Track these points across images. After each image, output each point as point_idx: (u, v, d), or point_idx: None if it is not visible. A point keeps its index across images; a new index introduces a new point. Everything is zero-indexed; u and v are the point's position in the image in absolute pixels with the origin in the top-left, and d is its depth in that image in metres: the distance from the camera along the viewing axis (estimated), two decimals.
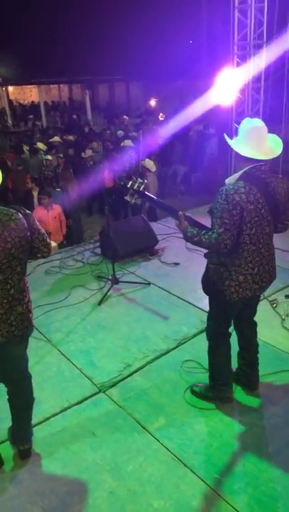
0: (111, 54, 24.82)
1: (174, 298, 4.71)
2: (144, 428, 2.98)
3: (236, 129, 2.80)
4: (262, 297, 3.51)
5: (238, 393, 3.22)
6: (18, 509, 2.49)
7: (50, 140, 12.55)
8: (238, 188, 2.57)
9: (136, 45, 23.12)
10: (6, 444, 2.87)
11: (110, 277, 5.01)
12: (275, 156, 2.69)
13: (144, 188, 3.08)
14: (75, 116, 23.33)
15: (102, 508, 2.47)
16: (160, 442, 2.86)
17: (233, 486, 2.56)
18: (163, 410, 3.13)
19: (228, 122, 7.65)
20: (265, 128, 2.69)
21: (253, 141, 2.66)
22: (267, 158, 2.65)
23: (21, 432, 2.79)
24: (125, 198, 3.20)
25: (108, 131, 15.12)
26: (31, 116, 24.02)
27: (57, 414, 3.15)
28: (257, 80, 7.35)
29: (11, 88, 30.84)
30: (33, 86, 29.77)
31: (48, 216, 6.46)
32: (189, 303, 4.57)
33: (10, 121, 23.81)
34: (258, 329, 3.21)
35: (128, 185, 3.07)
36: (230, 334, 3.05)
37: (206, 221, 2.80)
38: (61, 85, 34.59)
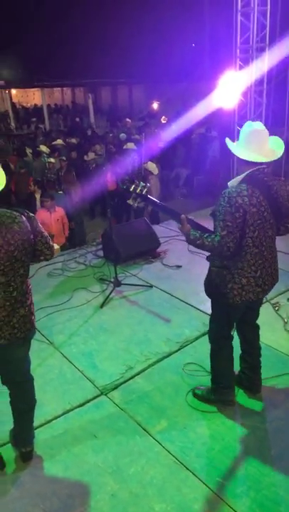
0: (114, 57, 24.92)
1: (176, 300, 4.70)
2: (145, 431, 2.98)
3: (238, 132, 2.80)
4: (264, 300, 3.50)
5: (241, 396, 3.21)
6: (20, 511, 2.49)
7: (53, 143, 12.59)
8: (241, 191, 2.58)
9: (138, 49, 23.21)
10: (8, 447, 2.87)
11: (112, 280, 5.02)
12: (276, 157, 2.69)
13: (146, 191, 3.09)
14: (77, 119, 23.40)
15: (103, 511, 2.46)
16: (162, 445, 2.86)
17: (235, 489, 2.55)
18: (165, 413, 3.13)
19: (231, 125, 7.66)
20: (265, 131, 2.70)
21: (253, 144, 2.66)
22: (268, 160, 2.65)
23: (23, 435, 2.79)
24: (128, 201, 3.21)
25: (111, 134, 15.15)
26: (34, 119, 24.09)
27: (59, 416, 3.15)
28: (259, 83, 7.36)
29: (14, 91, 30.98)
30: (36, 89, 29.92)
31: (50, 219, 6.48)
32: (191, 305, 4.56)
33: (13, 124, 23.87)
34: (260, 332, 3.21)
35: (131, 189, 3.08)
36: (232, 337, 3.05)
37: (209, 224, 2.80)
38: (64, 88, 34.72)
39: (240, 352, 3.22)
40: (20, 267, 2.37)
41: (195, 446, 2.84)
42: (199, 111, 10.15)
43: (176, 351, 3.84)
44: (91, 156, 10.59)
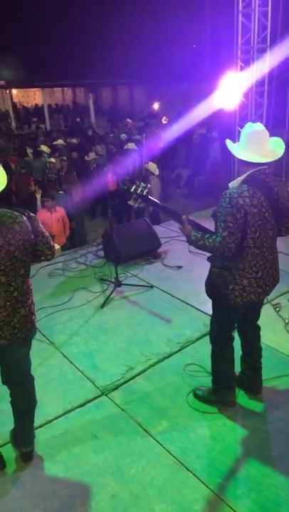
0: (115, 58, 24.92)
1: (177, 301, 4.70)
2: (146, 431, 2.98)
3: (239, 133, 2.80)
4: (265, 301, 3.50)
5: (241, 397, 3.21)
6: (20, 511, 2.49)
7: (54, 143, 12.59)
8: (242, 192, 2.57)
9: (139, 49, 23.21)
10: (9, 447, 2.87)
11: (113, 280, 5.02)
12: (276, 158, 2.68)
13: (147, 192, 3.09)
14: (78, 120, 23.42)
15: None
16: (163, 446, 2.85)
17: (236, 490, 2.55)
18: (165, 414, 3.12)
19: (232, 126, 7.66)
20: (265, 131, 2.70)
21: (253, 145, 2.66)
22: (268, 160, 2.65)
23: (24, 435, 2.79)
24: (129, 202, 3.21)
25: (111, 135, 15.15)
26: (35, 119, 24.10)
27: (59, 416, 3.15)
28: (260, 83, 7.37)
29: (14, 91, 30.97)
30: (36, 89, 29.92)
31: (51, 218, 6.48)
32: (192, 306, 4.56)
33: (14, 124, 23.88)
34: (261, 333, 3.20)
35: (131, 190, 3.08)
36: (233, 338, 3.05)
37: (210, 225, 2.80)
38: (65, 88, 34.72)
39: (241, 353, 3.21)
40: (21, 267, 2.37)
41: (196, 447, 2.84)
42: (200, 111, 10.15)
43: (177, 352, 3.83)
44: (92, 156, 10.59)
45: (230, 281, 2.71)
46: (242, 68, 7.37)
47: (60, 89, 34.58)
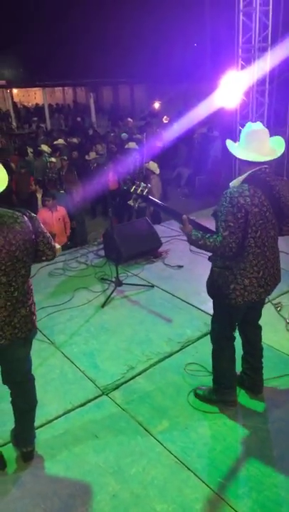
0: (115, 57, 24.91)
1: (178, 300, 4.70)
2: (147, 431, 2.97)
3: (240, 132, 2.80)
4: (266, 300, 3.50)
5: (242, 397, 3.21)
6: (21, 511, 2.48)
7: (55, 142, 12.58)
8: (243, 191, 2.57)
9: (140, 48, 23.18)
10: (9, 446, 2.87)
11: (114, 279, 5.01)
12: (276, 156, 2.68)
13: (147, 192, 3.08)
14: (79, 119, 23.38)
15: (104, 511, 2.46)
16: (163, 445, 2.85)
17: (236, 490, 2.55)
18: (166, 413, 3.12)
19: (233, 125, 7.64)
20: (265, 130, 2.70)
21: (253, 145, 2.66)
22: (268, 159, 2.65)
23: (24, 434, 2.79)
24: (128, 202, 3.21)
25: (112, 134, 15.14)
26: (35, 119, 24.09)
27: (60, 416, 3.15)
28: (261, 82, 7.35)
29: (15, 90, 30.94)
30: (37, 88, 29.89)
31: (52, 218, 6.48)
32: (193, 305, 4.56)
33: (14, 124, 23.85)
34: (262, 333, 3.20)
35: (131, 190, 3.07)
36: (234, 338, 3.04)
37: (211, 224, 2.80)
38: (65, 88, 34.69)
39: (242, 352, 3.21)
40: (22, 267, 2.37)
41: (196, 447, 2.84)
42: (201, 111, 10.13)
43: (178, 351, 3.83)
44: (92, 155, 10.59)
45: (232, 281, 2.71)
46: (243, 67, 7.35)
47: (60, 88, 34.55)
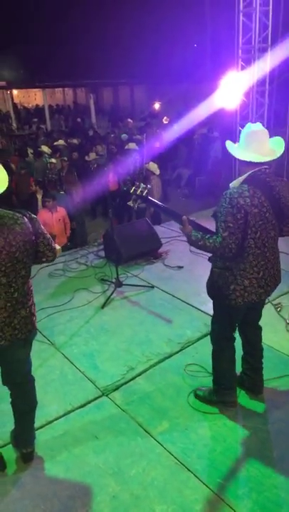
0: (115, 58, 24.92)
1: (178, 301, 4.69)
2: (147, 432, 2.97)
3: (240, 133, 2.80)
4: (266, 301, 3.49)
5: (242, 397, 3.20)
6: None
7: (55, 143, 12.59)
8: (242, 192, 2.57)
9: (140, 49, 23.20)
10: (9, 447, 2.86)
11: (114, 280, 5.01)
12: (276, 156, 2.68)
13: (147, 193, 3.09)
14: (79, 120, 23.40)
15: None
16: (163, 446, 2.85)
17: (236, 491, 2.55)
18: (166, 414, 3.12)
19: (233, 126, 7.64)
20: (264, 131, 2.70)
21: (253, 145, 2.66)
22: (267, 159, 2.65)
23: (24, 435, 2.79)
24: (128, 203, 3.21)
25: (112, 135, 15.15)
26: (36, 120, 24.10)
27: (60, 417, 3.14)
28: (261, 83, 7.35)
29: (15, 91, 30.95)
30: (37, 89, 29.90)
31: (52, 219, 6.48)
32: (193, 306, 4.55)
33: (14, 125, 23.88)
34: (262, 333, 3.19)
35: (131, 191, 3.07)
36: (234, 338, 3.04)
37: (211, 225, 2.80)
38: (66, 89, 34.70)
39: (242, 353, 3.21)
40: (22, 268, 2.37)
41: (196, 448, 2.83)
42: (201, 111, 10.13)
43: (178, 352, 3.83)
44: (92, 156, 10.59)
45: (232, 282, 2.71)
46: (243, 68, 7.36)
47: (60, 89, 34.57)
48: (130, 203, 3.18)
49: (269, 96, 7.46)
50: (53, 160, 10.14)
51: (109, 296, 4.76)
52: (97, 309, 4.60)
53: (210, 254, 2.78)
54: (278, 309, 4.35)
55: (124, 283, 5.02)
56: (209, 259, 2.85)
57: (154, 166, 7.90)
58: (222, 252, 2.57)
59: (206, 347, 3.47)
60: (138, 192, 3.08)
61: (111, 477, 2.66)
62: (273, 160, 2.68)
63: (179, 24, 22.78)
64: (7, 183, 2.37)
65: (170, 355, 3.78)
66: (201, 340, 3.94)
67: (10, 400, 2.71)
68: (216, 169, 10.44)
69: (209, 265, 2.88)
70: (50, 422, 3.09)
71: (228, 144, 2.78)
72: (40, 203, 7.75)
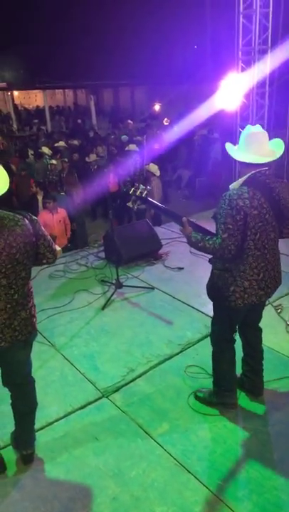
0: (116, 59, 24.96)
1: (178, 303, 4.69)
2: (147, 433, 2.97)
3: (240, 134, 2.81)
4: (266, 302, 3.50)
5: (243, 399, 3.20)
6: None
7: (55, 144, 12.61)
8: (242, 193, 2.57)
9: (140, 50, 23.24)
10: (9, 449, 2.86)
11: (114, 281, 5.01)
12: (275, 158, 2.69)
13: (146, 194, 3.09)
14: (79, 121, 23.44)
15: None
16: (163, 448, 2.85)
17: (237, 492, 2.54)
18: (166, 416, 3.12)
19: (233, 127, 7.65)
20: (264, 133, 2.70)
21: (252, 147, 2.67)
22: (266, 160, 2.65)
23: (24, 437, 2.79)
24: (128, 204, 3.22)
25: (113, 136, 15.17)
26: (36, 121, 24.16)
27: (60, 418, 3.14)
28: (261, 85, 7.35)
29: (16, 93, 31.02)
30: (38, 91, 29.94)
31: (53, 220, 6.49)
32: (193, 308, 4.55)
33: (15, 126, 23.91)
34: (262, 335, 3.19)
35: (130, 192, 3.08)
36: (234, 340, 3.04)
37: (211, 226, 2.80)
38: (66, 90, 34.78)
39: (242, 355, 3.21)
40: (22, 269, 2.37)
41: (196, 449, 2.83)
42: (201, 113, 10.14)
43: (178, 353, 3.83)
44: (93, 157, 10.60)
45: (231, 283, 2.71)
46: (243, 69, 7.36)
47: (61, 90, 34.65)
48: (130, 204, 3.19)
49: (269, 97, 7.46)
50: (54, 161, 10.16)
51: (110, 298, 4.76)
52: (97, 310, 4.60)
53: (210, 256, 2.78)
54: (278, 311, 4.35)
55: (124, 284, 5.02)
56: (210, 261, 2.85)
57: (154, 168, 7.91)
58: (221, 253, 2.57)
59: (206, 348, 3.47)
60: (137, 193, 3.08)
61: (111, 479, 2.66)
62: (273, 161, 2.69)
63: (179, 25, 22.82)
64: (8, 185, 2.38)
65: (170, 357, 3.78)
66: (202, 342, 3.94)
67: (10, 401, 2.71)
68: (216, 170, 10.44)
69: (209, 267, 2.88)
70: (51, 424, 3.09)
71: (228, 146, 2.78)
72: (40, 205, 7.75)
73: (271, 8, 6.95)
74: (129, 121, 19.84)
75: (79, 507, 2.50)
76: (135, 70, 24.31)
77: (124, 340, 4.05)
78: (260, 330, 3.17)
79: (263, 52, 7.15)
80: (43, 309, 4.50)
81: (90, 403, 3.28)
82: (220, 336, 3.01)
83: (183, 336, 4.07)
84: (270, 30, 7.04)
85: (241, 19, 7.09)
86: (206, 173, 11.20)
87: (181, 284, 5.09)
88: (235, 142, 2.84)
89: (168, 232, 6.58)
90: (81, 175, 9.17)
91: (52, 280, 5.35)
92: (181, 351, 3.85)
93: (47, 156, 10.84)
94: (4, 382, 2.66)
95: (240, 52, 7.34)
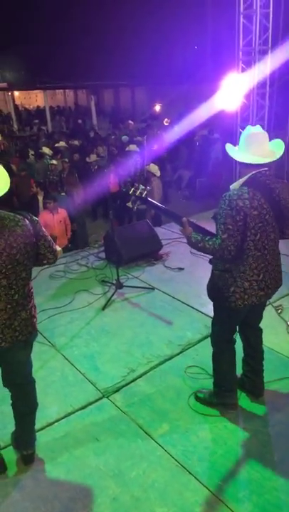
0: (116, 59, 24.97)
1: (178, 303, 4.69)
2: (147, 434, 2.97)
3: (241, 135, 2.81)
4: (267, 303, 3.49)
5: (243, 400, 3.20)
6: None
7: (56, 145, 12.62)
8: (242, 194, 2.57)
9: (141, 51, 23.25)
10: (10, 449, 2.86)
11: (114, 282, 5.01)
12: (275, 158, 2.69)
13: (146, 194, 3.09)
14: (80, 121, 23.46)
15: None
16: (164, 448, 2.85)
17: (237, 493, 2.54)
18: (167, 416, 3.12)
19: (233, 127, 7.65)
20: (264, 133, 2.71)
21: (252, 147, 2.67)
22: (266, 161, 2.65)
23: (25, 437, 2.79)
24: (127, 204, 3.22)
25: (113, 136, 15.18)
26: (37, 121, 24.19)
27: (60, 419, 3.14)
28: (262, 85, 7.36)
29: (16, 93, 31.04)
30: (38, 91, 29.97)
31: (53, 220, 6.49)
32: (193, 308, 4.55)
33: (15, 126, 23.94)
34: (263, 335, 3.19)
35: (130, 192, 3.08)
36: (235, 340, 3.04)
37: (211, 226, 2.80)
38: (67, 90, 34.79)
39: (242, 355, 3.21)
40: (22, 270, 2.37)
41: (197, 450, 2.83)
42: (202, 113, 10.15)
43: (178, 354, 3.83)
44: (93, 157, 10.61)
45: (231, 284, 2.71)
46: (243, 70, 7.37)
47: (61, 91, 34.66)
48: (129, 204, 3.19)
49: (270, 98, 7.47)
50: (54, 161, 10.17)
51: (110, 298, 4.76)
52: (97, 311, 4.60)
53: (210, 256, 2.78)
54: (279, 311, 4.35)
55: (124, 284, 5.02)
56: (210, 262, 2.85)
57: (154, 168, 7.91)
58: (221, 254, 2.58)
59: (206, 349, 3.47)
60: (137, 193, 3.08)
61: (111, 479, 2.66)
62: (273, 162, 2.69)
63: (179, 25, 22.84)
64: (9, 185, 2.38)
65: (171, 357, 3.78)
66: (202, 342, 3.94)
67: (10, 401, 2.71)
68: (216, 171, 10.45)
69: (210, 267, 2.88)
70: (51, 424, 3.09)
71: (228, 146, 2.79)
72: (41, 205, 7.76)
73: (271, 9, 6.96)
74: (130, 121, 19.86)
75: (79, 507, 2.50)
76: (135, 70, 24.32)
77: (124, 341, 4.05)
78: (260, 330, 3.17)
79: (264, 53, 7.15)
80: (43, 309, 4.51)
81: (90, 403, 3.28)
82: (220, 337, 3.01)
83: (183, 336, 4.07)
84: (270, 31, 7.05)
85: (242, 19, 7.10)
86: (207, 173, 11.20)
87: (182, 285, 5.09)
88: (235, 143, 2.84)
89: (168, 233, 6.58)
90: (81, 175, 9.17)
91: (52, 280, 5.35)
92: (181, 352, 3.85)
93: (47, 157, 10.85)
94: (5, 383, 2.66)
95: (240, 53, 7.34)
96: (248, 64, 7.29)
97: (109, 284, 5.12)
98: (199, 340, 3.98)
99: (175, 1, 22.24)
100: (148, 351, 3.87)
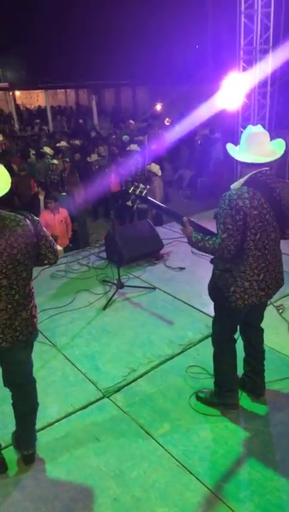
0: (117, 59, 24.98)
1: (179, 303, 4.69)
2: (148, 434, 2.97)
3: (242, 134, 2.80)
4: (268, 303, 3.48)
5: (244, 400, 3.20)
6: None
7: (57, 144, 12.63)
8: (242, 194, 2.57)
9: (142, 50, 23.24)
10: (10, 449, 2.86)
11: (115, 282, 5.01)
12: (276, 157, 2.68)
13: (146, 193, 3.08)
14: (81, 121, 23.46)
15: None
16: (165, 448, 2.84)
17: (238, 493, 2.54)
18: (168, 416, 3.11)
19: (234, 127, 7.64)
20: (265, 133, 2.70)
21: (253, 147, 2.66)
22: (267, 160, 2.64)
23: (25, 437, 2.79)
24: (127, 203, 3.22)
25: (114, 136, 15.18)
26: (38, 121, 24.18)
27: (61, 419, 3.14)
28: (263, 84, 7.34)
29: (18, 93, 31.04)
30: (39, 91, 29.99)
31: (54, 220, 6.49)
32: (195, 308, 4.55)
33: (17, 126, 23.96)
34: (264, 335, 3.19)
35: (130, 191, 3.08)
36: (235, 340, 3.03)
37: (212, 226, 2.80)
38: (68, 90, 34.78)
39: (244, 355, 3.20)
40: (23, 270, 2.37)
41: (198, 450, 2.83)
42: (203, 112, 10.14)
43: (179, 354, 3.82)
44: (94, 157, 10.61)
45: (232, 284, 2.70)
46: (244, 69, 7.35)
47: (63, 90, 34.65)
48: (129, 203, 3.18)
49: (271, 97, 7.45)
50: (55, 161, 10.17)
51: (111, 298, 4.76)
52: (98, 311, 4.60)
53: (211, 256, 2.77)
54: (280, 311, 4.34)
55: (125, 284, 5.02)
56: (211, 261, 2.85)
57: (156, 167, 7.90)
58: (221, 253, 2.57)
59: (207, 349, 3.46)
60: (137, 192, 3.08)
61: (112, 479, 2.66)
62: (275, 162, 2.68)
63: (180, 25, 22.81)
64: (9, 185, 2.37)
65: (171, 357, 3.78)
66: (203, 342, 3.93)
67: (11, 401, 2.71)
68: (217, 170, 10.44)
69: (211, 267, 2.87)
70: (52, 424, 3.09)
71: (229, 146, 2.78)
72: (42, 204, 7.75)
73: (272, 8, 6.94)
74: (131, 121, 19.86)
75: (80, 507, 2.50)
76: (136, 70, 24.32)
77: (125, 341, 4.04)
78: (261, 330, 3.16)
79: (265, 52, 7.14)
80: (44, 309, 4.50)
81: (91, 403, 3.28)
82: (220, 337, 3.01)
83: (184, 336, 4.07)
84: (271, 30, 7.03)
85: (243, 19, 7.08)
86: (208, 173, 11.20)
87: (183, 284, 5.09)
88: (236, 142, 2.83)
89: (169, 232, 6.57)
90: (83, 175, 9.17)
91: (53, 280, 5.35)
92: (182, 351, 3.85)
93: (49, 156, 10.86)
94: (5, 383, 2.66)
95: (241, 52, 7.33)
96: (249, 63, 7.27)
97: (110, 284, 5.11)
98: (200, 340, 3.98)
99: (175, 1, 22.22)
100: (149, 351, 3.86)
